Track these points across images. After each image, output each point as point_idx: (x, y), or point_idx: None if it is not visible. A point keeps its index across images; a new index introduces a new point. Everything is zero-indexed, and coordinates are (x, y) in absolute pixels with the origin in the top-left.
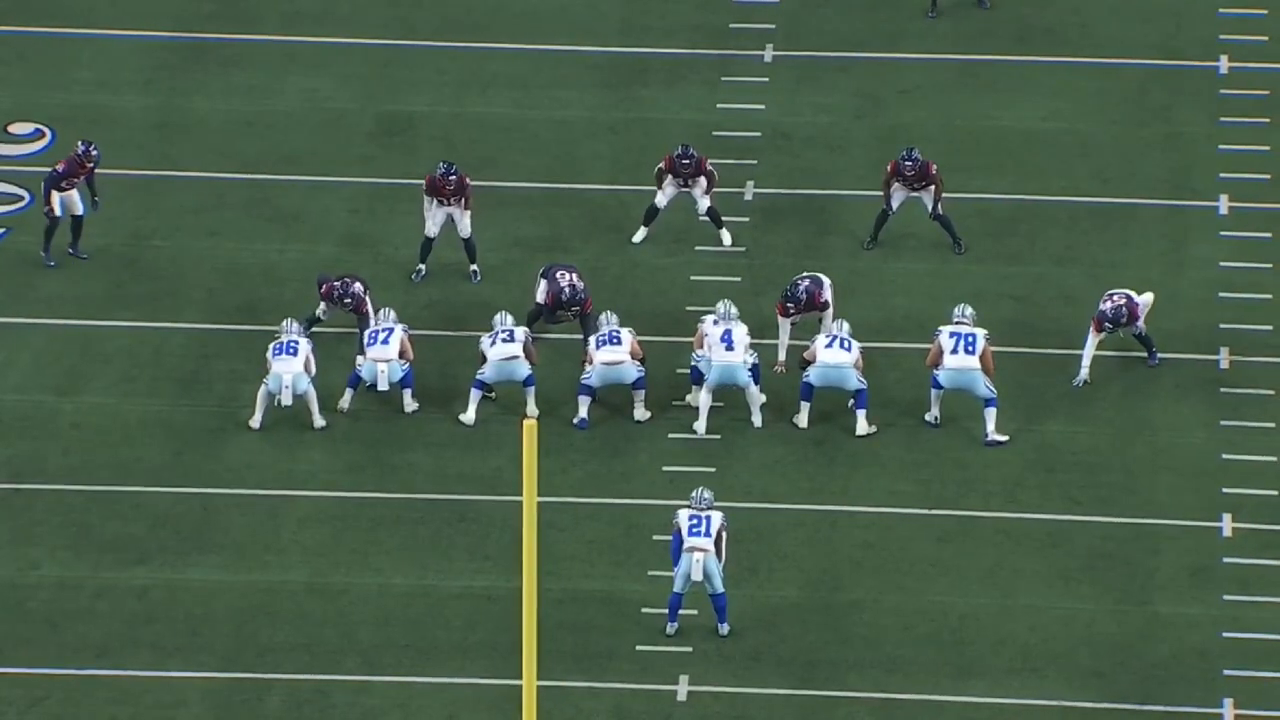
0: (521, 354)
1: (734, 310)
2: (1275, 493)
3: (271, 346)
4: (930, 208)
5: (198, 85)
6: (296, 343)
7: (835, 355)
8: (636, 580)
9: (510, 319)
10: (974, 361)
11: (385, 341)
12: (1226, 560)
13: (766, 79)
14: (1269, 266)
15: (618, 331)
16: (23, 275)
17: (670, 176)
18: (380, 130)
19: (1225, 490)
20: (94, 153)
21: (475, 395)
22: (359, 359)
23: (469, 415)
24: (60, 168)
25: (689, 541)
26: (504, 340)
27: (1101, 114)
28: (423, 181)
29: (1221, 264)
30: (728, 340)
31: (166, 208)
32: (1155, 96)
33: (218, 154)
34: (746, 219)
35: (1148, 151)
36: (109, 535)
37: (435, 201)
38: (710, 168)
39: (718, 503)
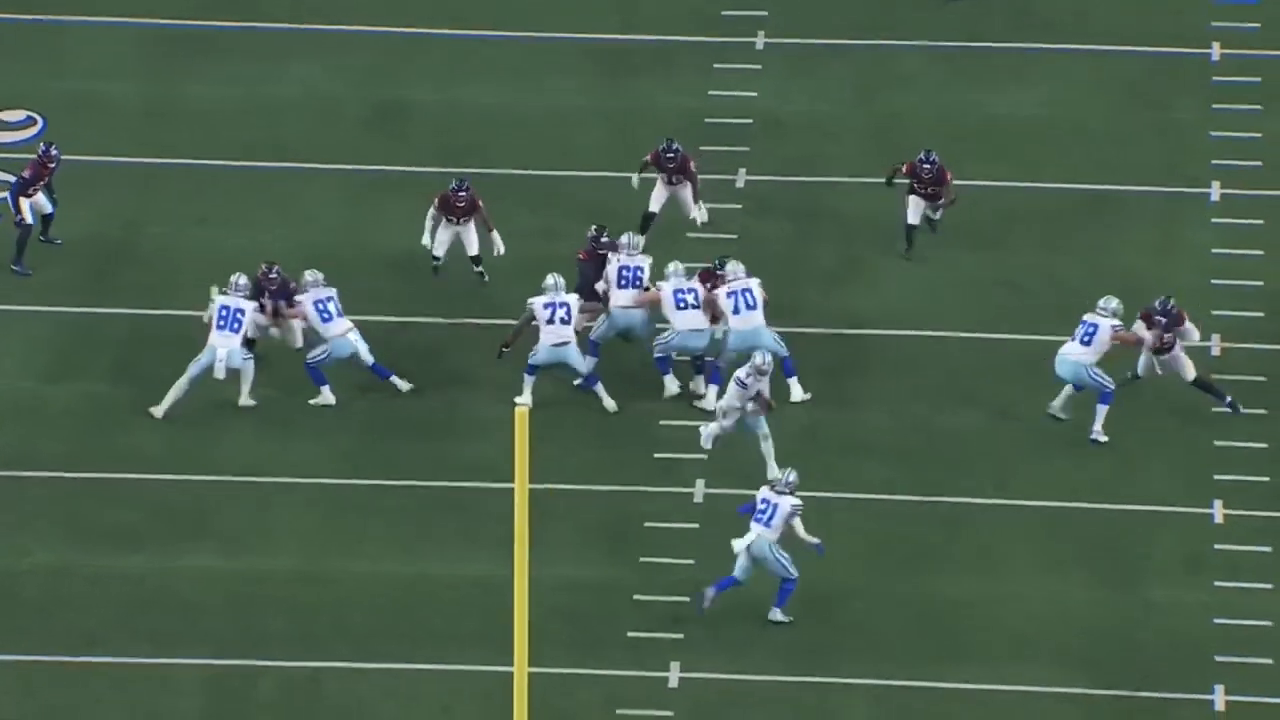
0: (574, 339)
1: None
2: (1267, 479)
3: (216, 311)
4: (936, 214)
5: (190, 73)
6: (241, 312)
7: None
8: (629, 567)
9: (562, 285)
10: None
11: (340, 315)
12: (1218, 547)
13: (759, 66)
14: (1261, 253)
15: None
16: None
17: (659, 176)
18: (375, 118)
19: (1217, 477)
20: (54, 153)
21: (529, 380)
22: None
23: (525, 397)
24: (26, 174)
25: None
26: (561, 321)
27: (1095, 102)
28: (414, 168)
29: (1214, 251)
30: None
31: (159, 195)
32: (1149, 84)
33: (210, 141)
34: (739, 205)
35: (1140, 139)
36: (103, 523)
37: (444, 220)
38: (695, 169)
39: (713, 489)
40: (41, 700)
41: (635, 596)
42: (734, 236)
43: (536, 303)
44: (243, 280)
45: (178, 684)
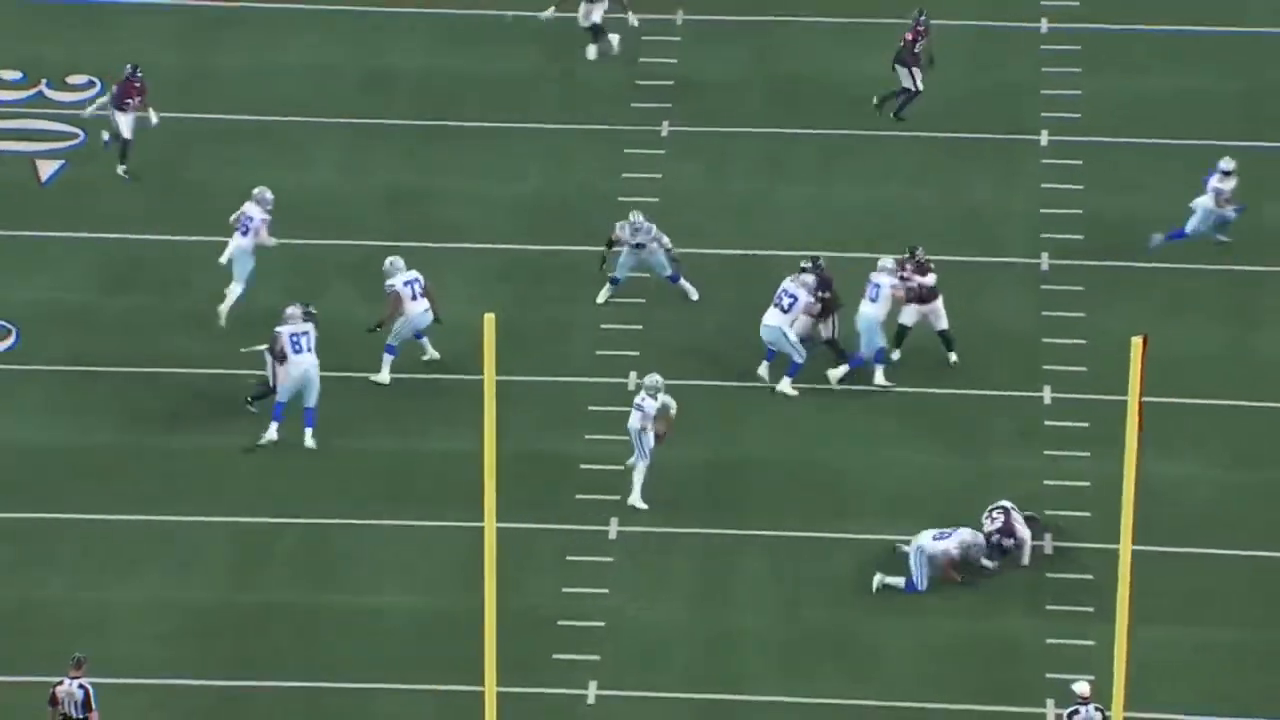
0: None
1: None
2: (1084, 369)
3: (288, 342)
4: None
5: (216, 44)
6: (308, 335)
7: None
8: (576, 442)
9: (400, 264)
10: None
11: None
12: (1047, 423)
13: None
14: (1081, 188)
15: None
16: (77, 198)
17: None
18: (366, 82)
19: (1045, 366)
20: (139, 74)
21: (388, 358)
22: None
23: (383, 376)
24: (115, 89)
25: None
26: (421, 295)
27: (950, 69)
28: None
29: (1043, 185)
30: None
31: (193, 143)
32: (990, 51)
33: (233, 99)
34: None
35: (984, 96)
36: (155, 405)
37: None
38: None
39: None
40: (103, 550)
41: (581, 466)
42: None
43: (396, 283)
44: (296, 310)
45: (210, 535)
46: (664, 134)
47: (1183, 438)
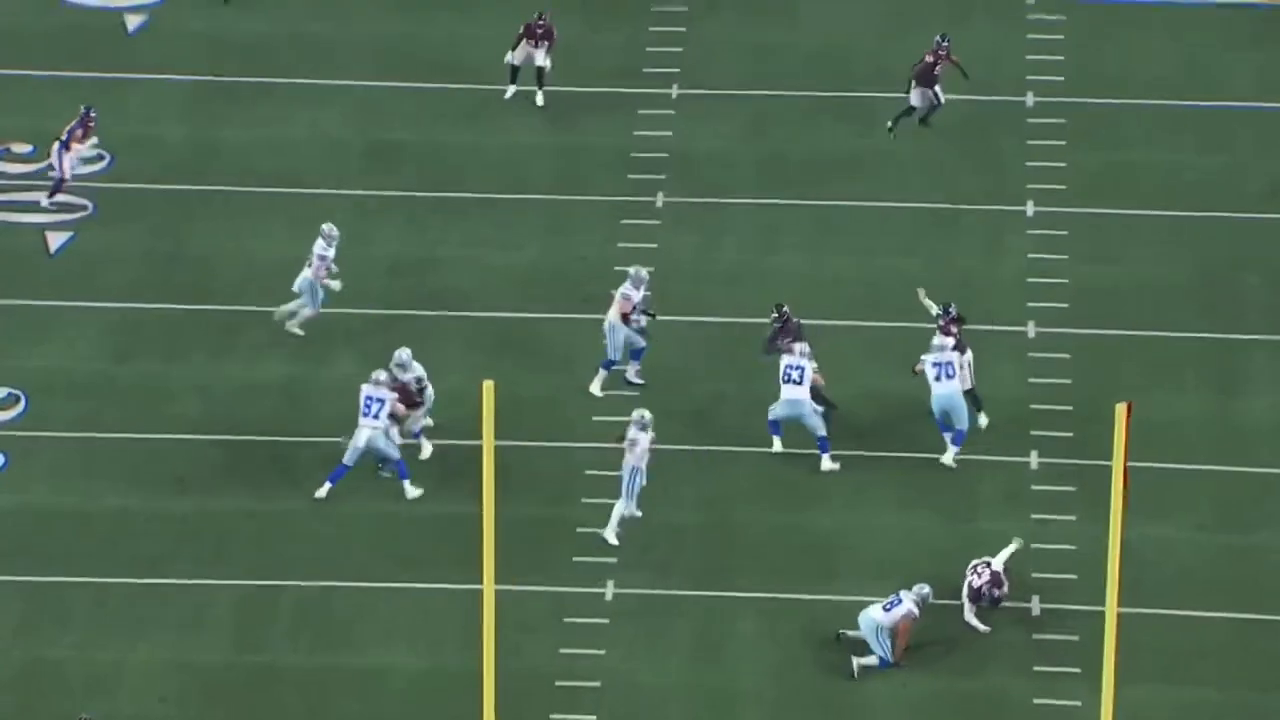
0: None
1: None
2: (1071, 434)
3: (363, 398)
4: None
5: (224, 118)
6: (382, 402)
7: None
8: (574, 506)
9: (382, 377)
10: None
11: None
12: (1034, 487)
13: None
14: (1066, 257)
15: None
16: (87, 268)
17: (525, 40)
18: (370, 154)
19: (1033, 432)
20: (93, 113)
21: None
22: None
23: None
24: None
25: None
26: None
27: (939, 138)
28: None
29: (1029, 255)
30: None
31: (199, 214)
32: (977, 125)
33: (241, 172)
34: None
35: (970, 167)
36: (157, 473)
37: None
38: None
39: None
40: (110, 611)
41: (578, 529)
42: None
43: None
44: (383, 375)
45: (215, 596)
46: (659, 205)
47: (1167, 501)
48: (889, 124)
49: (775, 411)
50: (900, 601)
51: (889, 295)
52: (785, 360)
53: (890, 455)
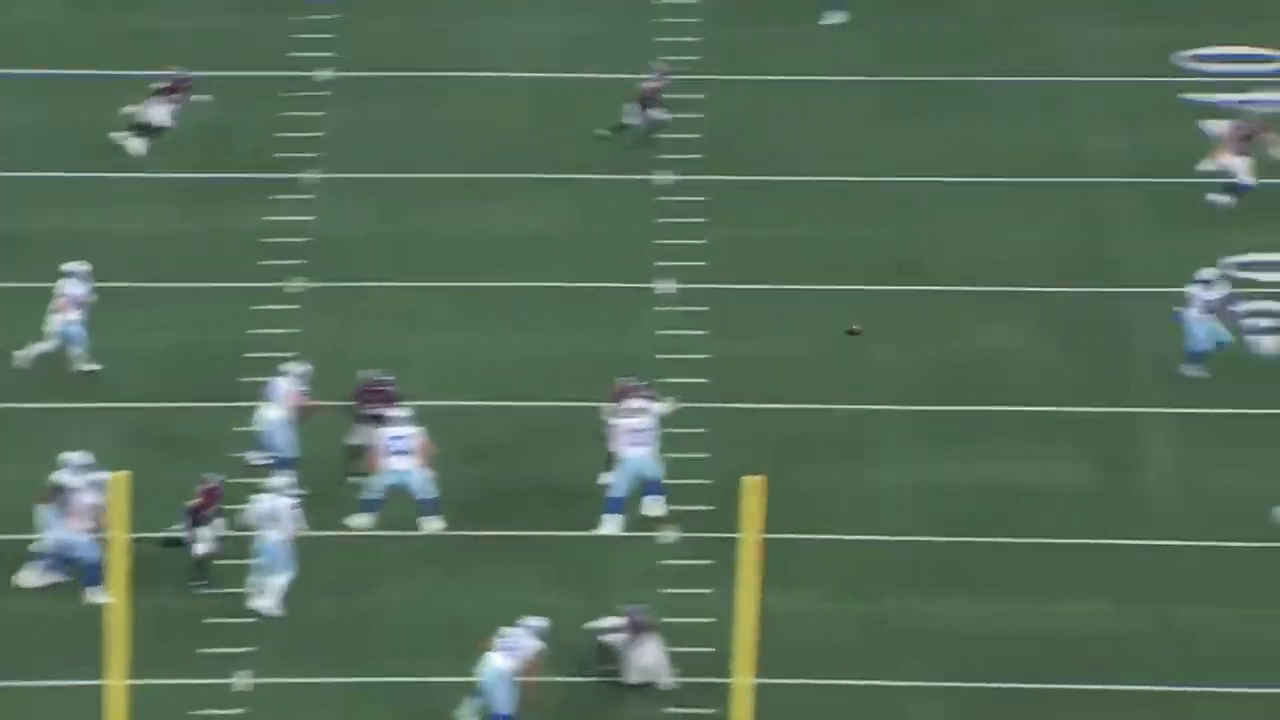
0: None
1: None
2: (713, 507)
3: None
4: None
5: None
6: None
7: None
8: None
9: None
10: None
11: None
12: (672, 562)
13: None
14: (703, 333)
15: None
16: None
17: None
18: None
19: (672, 507)
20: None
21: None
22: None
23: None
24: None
25: None
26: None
27: (575, 218)
28: None
29: (658, 332)
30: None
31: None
32: (608, 204)
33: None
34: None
35: (603, 245)
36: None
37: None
38: None
39: None
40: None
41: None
42: None
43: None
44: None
45: None
46: (293, 290)
47: (801, 571)
48: (605, 131)
49: (386, 482)
50: (514, 642)
51: (533, 370)
52: (389, 431)
53: (526, 535)
